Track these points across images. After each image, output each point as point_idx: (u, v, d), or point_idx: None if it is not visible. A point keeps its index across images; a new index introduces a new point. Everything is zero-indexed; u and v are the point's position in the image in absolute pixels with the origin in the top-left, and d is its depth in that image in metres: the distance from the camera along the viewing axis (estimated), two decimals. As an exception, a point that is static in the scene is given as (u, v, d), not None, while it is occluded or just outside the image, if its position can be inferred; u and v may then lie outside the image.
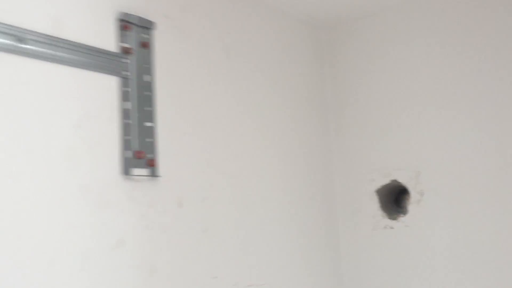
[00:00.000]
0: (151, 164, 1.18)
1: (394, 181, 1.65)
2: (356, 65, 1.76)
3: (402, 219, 1.62)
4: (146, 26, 1.21)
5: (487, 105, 1.47)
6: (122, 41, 1.16)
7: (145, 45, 1.21)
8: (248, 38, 1.52)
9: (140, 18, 1.20)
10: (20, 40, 0.97)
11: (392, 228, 1.64)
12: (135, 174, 1.14)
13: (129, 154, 1.13)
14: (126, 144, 1.13)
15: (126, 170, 1.12)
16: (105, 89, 1.11)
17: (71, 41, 1.05)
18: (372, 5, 1.67)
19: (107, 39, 1.13)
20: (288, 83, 1.65)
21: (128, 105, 1.15)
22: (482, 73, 1.49)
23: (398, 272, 1.61)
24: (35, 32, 1.00)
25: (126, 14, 1.17)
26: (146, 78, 1.20)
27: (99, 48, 1.10)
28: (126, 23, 1.17)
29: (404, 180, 1.62)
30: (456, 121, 1.52)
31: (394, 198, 1.71)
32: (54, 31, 1.03)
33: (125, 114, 1.14)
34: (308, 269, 1.61)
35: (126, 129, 1.14)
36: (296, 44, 1.72)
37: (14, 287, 0.91)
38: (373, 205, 1.68)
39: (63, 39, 1.04)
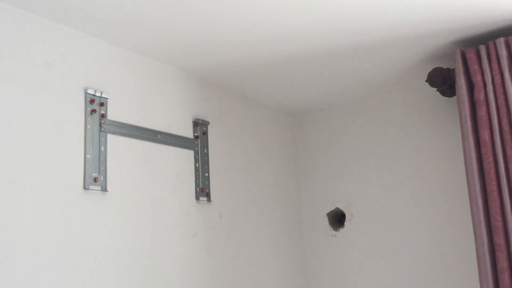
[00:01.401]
0: (208, 195, 2.29)
1: (337, 208, 2.80)
2: (318, 139, 2.93)
3: (341, 230, 2.76)
4: (205, 123, 2.36)
5: (398, 165, 2.65)
6: (194, 132, 2.30)
7: (204, 133, 2.35)
8: (252, 123, 2.68)
9: (203, 120, 2.35)
10: (155, 135, 2.11)
11: (335, 236, 2.77)
12: (201, 199, 2.25)
13: (199, 189, 2.25)
14: (197, 184, 2.25)
15: (197, 197, 2.23)
16: (188, 156, 2.24)
17: (175, 134, 2.19)
18: (328, 102, 2.87)
19: (189, 132, 2.28)
20: (273, 152, 2.81)
21: (198, 164, 2.28)
22: (397, 149, 2.68)
23: (339, 261, 2.73)
24: (161, 131, 2.13)
25: (197, 119, 2.32)
26: (205, 150, 2.34)
27: (186, 137, 2.24)
28: (197, 123, 2.32)
29: (342, 208, 2.78)
30: (372, 177, 2.70)
31: (338, 219, 2.86)
32: (168, 130, 2.17)
33: (196, 169, 2.27)
34: (283, 258, 2.71)
35: (197, 176, 2.26)
36: (279, 126, 2.90)
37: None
38: (325, 222, 2.82)
39: (171, 134, 2.18)
